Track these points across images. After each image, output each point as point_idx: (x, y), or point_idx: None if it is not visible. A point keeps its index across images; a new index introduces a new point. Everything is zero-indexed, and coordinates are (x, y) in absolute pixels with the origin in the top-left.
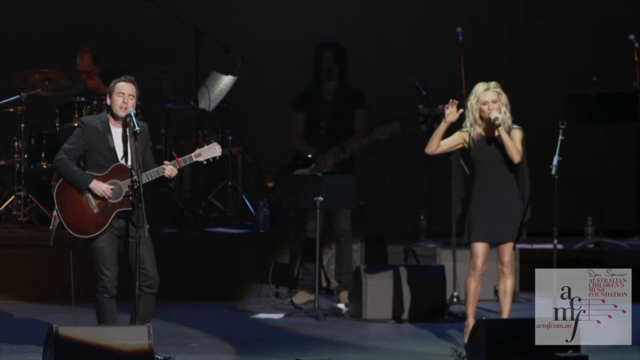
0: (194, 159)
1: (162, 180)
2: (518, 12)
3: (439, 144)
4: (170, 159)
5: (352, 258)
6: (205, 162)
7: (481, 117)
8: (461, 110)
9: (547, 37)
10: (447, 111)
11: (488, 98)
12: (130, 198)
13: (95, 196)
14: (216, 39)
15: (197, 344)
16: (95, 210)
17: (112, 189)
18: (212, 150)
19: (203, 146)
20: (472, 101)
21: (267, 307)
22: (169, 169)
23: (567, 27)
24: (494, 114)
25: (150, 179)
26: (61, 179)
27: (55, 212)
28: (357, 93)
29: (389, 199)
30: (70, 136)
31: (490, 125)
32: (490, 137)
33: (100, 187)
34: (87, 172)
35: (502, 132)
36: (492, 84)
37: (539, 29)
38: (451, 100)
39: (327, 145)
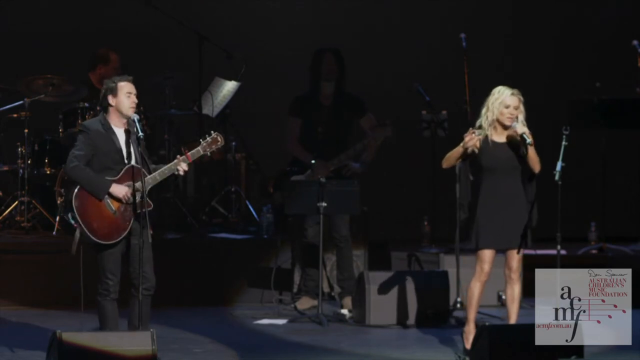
0: (202, 152)
1: (172, 177)
2: (518, 12)
3: (456, 163)
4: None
5: (353, 264)
6: (209, 153)
7: (498, 120)
8: (480, 137)
9: (547, 38)
10: (466, 139)
11: (511, 103)
12: (147, 199)
13: (115, 200)
14: (219, 45)
15: (200, 350)
16: (116, 215)
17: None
18: (214, 141)
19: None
20: (493, 102)
21: (270, 313)
22: (182, 165)
23: (568, 30)
24: (520, 129)
25: (163, 176)
26: (78, 187)
27: (74, 220)
28: (356, 100)
29: (392, 205)
30: (75, 142)
31: (504, 131)
32: (501, 142)
33: (121, 190)
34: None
35: (531, 149)
36: (516, 90)
37: (539, 30)
38: (470, 129)
39: (323, 151)
